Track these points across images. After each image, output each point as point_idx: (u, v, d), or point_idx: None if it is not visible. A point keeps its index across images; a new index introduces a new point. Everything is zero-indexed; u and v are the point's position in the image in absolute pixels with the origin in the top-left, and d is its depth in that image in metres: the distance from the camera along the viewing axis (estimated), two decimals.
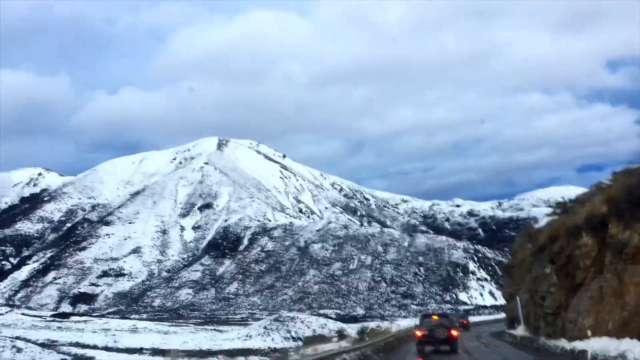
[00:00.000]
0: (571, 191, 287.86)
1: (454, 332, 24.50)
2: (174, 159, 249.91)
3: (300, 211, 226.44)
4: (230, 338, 66.07)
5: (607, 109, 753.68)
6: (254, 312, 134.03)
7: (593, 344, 17.38)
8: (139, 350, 59.60)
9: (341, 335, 41.67)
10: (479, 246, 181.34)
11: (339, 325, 66.26)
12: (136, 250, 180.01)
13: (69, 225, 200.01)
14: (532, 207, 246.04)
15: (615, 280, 17.71)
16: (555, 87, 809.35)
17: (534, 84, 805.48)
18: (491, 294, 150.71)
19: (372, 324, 52.55)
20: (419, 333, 24.64)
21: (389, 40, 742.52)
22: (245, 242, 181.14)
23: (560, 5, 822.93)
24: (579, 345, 18.63)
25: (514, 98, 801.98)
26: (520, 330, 32.18)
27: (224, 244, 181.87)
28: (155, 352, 61.19)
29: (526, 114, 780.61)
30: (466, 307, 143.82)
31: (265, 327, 67.42)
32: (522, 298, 31.44)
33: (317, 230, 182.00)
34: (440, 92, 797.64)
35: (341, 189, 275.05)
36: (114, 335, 63.56)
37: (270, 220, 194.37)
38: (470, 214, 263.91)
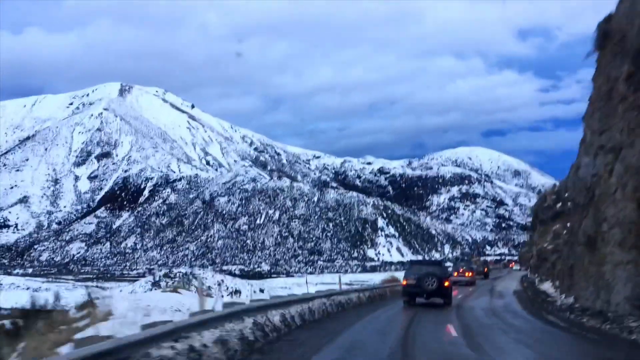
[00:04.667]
0: (477, 152, 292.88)
1: (447, 283, 21.74)
2: (71, 104, 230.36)
3: (208, 163, 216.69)
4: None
5: (514, 77, 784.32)
6: (152, 267, 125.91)
7: None
8: None
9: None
10: (389, 203, 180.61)
11: (237, 281, 60.48)
12: (23, 200, 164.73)
13: None
14: (441, 166, 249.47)
15: None
16: (468, 53, 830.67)
17: (448, 48, 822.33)
18: (398, 250, 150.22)
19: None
20: (404, 282, 22.22)
21: None
22: (146, 194, 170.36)
23: None
24: None
25: (428, 61, 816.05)
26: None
27: (123, 196, 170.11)
28: (15, 314, 52.53)
29: (439, 77, 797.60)
30: (372, 264, 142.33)
31: (152, 284, 60.63)
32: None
33: (224, 183, 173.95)
34: (358, 52, 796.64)
35: (252, 143, 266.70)
36: None
37: (174, 172, 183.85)
38: (381, 171, 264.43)
